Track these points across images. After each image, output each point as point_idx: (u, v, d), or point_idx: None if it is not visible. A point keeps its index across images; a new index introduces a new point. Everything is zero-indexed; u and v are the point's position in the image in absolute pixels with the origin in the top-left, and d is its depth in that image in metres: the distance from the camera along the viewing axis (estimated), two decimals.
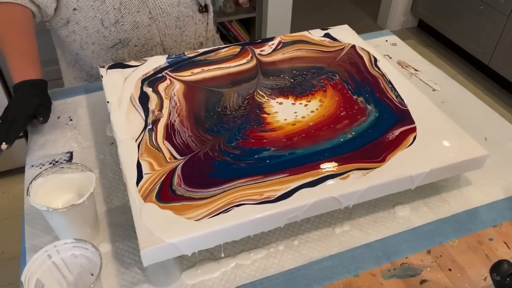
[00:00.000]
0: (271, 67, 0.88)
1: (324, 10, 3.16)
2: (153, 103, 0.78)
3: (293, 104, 0.78)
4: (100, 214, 0.70)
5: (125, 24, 0.89)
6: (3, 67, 1.62)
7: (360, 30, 1.04)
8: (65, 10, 0.90)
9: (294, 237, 0.68)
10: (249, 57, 0.90)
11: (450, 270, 0.64)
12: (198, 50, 0.91)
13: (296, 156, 0.68)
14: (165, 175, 0.64)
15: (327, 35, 0.97)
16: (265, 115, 0.76)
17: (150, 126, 0.73)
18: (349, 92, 0.81)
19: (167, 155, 0.68)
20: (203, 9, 0.98)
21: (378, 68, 0.87)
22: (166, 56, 0.89)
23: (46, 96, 0.80)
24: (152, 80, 0.83)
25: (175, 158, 0.67)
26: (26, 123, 0.76)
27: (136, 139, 0.70)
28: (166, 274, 0.61)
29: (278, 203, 0.61)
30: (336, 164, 0.67)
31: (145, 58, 0.89)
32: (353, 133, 0.72)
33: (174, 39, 0.96)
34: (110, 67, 0.86)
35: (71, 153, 0.80)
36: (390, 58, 1.06)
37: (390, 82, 0.84)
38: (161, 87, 0.81)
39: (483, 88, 2.40)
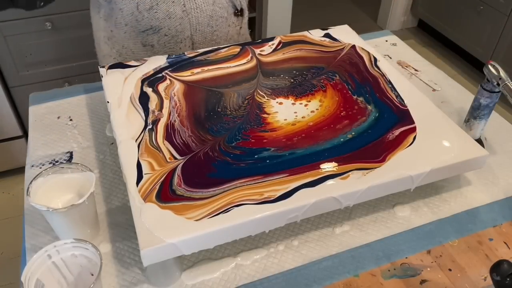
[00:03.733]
0: (271, 67, 0.88)
1: (324, 10, 3.16)
2: (153, 103, 0.78)
3: (293, 104, 0.78)
4: (100, 214, 0.70)
5: (158, 12, 0.90)
6: (3, 67, 1.62)
7: (360, 30, 1.04)
8: None
9: (294, 237, 0.68)
10: (249, 57, 0.90)
11: (450, 270, 0.64)
12: (198, 50, 0.91)
13: (296, 156, 0.68)
14: (165, 175, 0.64)
15: (327, 35, 0.97)
16: (265, 115, 0.76)
17: (150, 126, 0.73)
18: (349, 92, 0.81)
19: (167, 155, 0.68)
20: (239, 12, 0.98)
21: (378, 68, 0.88)
22: (166, 56, 0.89)
23: None
24: (152, 80, 0.83)
25: (175, 158, 0.67)
26: None
27: (136, 139, 0.70)
28: (166, 274, 0.61)
29: (278, 203, 0.61)
30: (336, 164, 0.67)
31: (145, 58, 0.89)
32: (353, 133, 0.72)
33: (204, 36, 0.97)
34: (110, 67, 0.86)
35: (71, 153, 0.80)
36: (390, 58, 1.06)
37: (390, 82, 0.84)
38: (161, 87, 0.81)
39: None
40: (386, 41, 1.12)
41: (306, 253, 0.66)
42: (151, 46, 0.97)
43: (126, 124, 0.73)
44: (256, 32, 2.38)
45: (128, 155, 0.68)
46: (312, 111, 0.77)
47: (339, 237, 0.68)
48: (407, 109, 0.77)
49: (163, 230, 0.57)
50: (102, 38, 1.02)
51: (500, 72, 0.74)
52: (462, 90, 0.97)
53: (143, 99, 0.79)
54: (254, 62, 0.89)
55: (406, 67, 1.03)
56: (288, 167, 0.66)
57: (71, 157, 0.80)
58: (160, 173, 0.65)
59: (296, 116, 0.76)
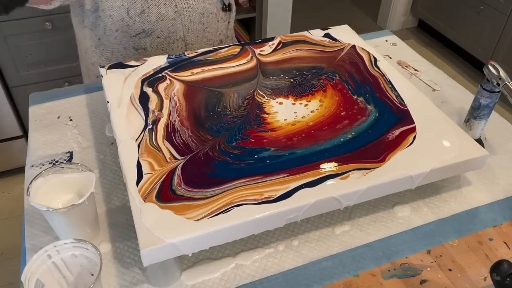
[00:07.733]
0: (271, 67, 0.88)
1: (324, 10, 3.17)
2: (153, 103, 0.78)
3: (293, 104, 0.78)
4: (100, 214, 0.70)
5: (150, 15, 0.90)
6: (3, 67, 1.62)
7: (360, 30, 1.04)
8: None
9: (294, 237, 0.68)
10: (249, 57, 0.90)
11: (450, 270, 0.64)
12: (198, 50, 0.91)
13: (296, 156, 0.68)
14: (165, 175, 0.64)
15: (327, 35, 0.97)
16: (265, 115, 0.76)
17: (150, 126, 0.73)
18: (349, 92, 0.81)
19: (167, 155, 0.68)
20: (227, 8, 0.99)
21: (378, 68, 0.88)
22: (166, 56, 0.89)
23: None
24: (152, 80, 0.83)
25: (175, 158, 0.67)
26: None
27: (136, 139, 0.70)
28: (166, 274, 0.61)
29: (278, 203, 0.61)
30: (336, 164, 0.67)
31: (145, 58, 0.89)
32: (353, 133, 0.72)
33: (197, 34, 0.97)
34: (110, 67, 0.86)
35: (71, 153, 0.80)
36: (390, 58, 1.06)
37: (390, 82, 0.84)
38: (161, 87, 0.81)
39: None
40: (386, 41, 1.12)
41: (306, 253, 0.66)
42: (143, 50, 0.97)
43: (126, 124, 0.73)
44: (256, 32, 2.38)
45: (128, 155, 0.68)
46: (312, 111, 0.77)
47: (339, 237, 0.68)
48: (407, 109, 0.77)
49: (163, 230, 0.57)
50: (89, 47, 1.01)
51: (500, 72, 0.74)
52: (462, 90, 0.97)
53: (143, 99, 0.79)
54: (254, 62, 0.89)
55: (406, 67, 1.03)
56: (288, 167, 0.66)
57: (71, 157, 0.80)
58: (160, 173, 0.65)
59: (296, 116, 0.76)
